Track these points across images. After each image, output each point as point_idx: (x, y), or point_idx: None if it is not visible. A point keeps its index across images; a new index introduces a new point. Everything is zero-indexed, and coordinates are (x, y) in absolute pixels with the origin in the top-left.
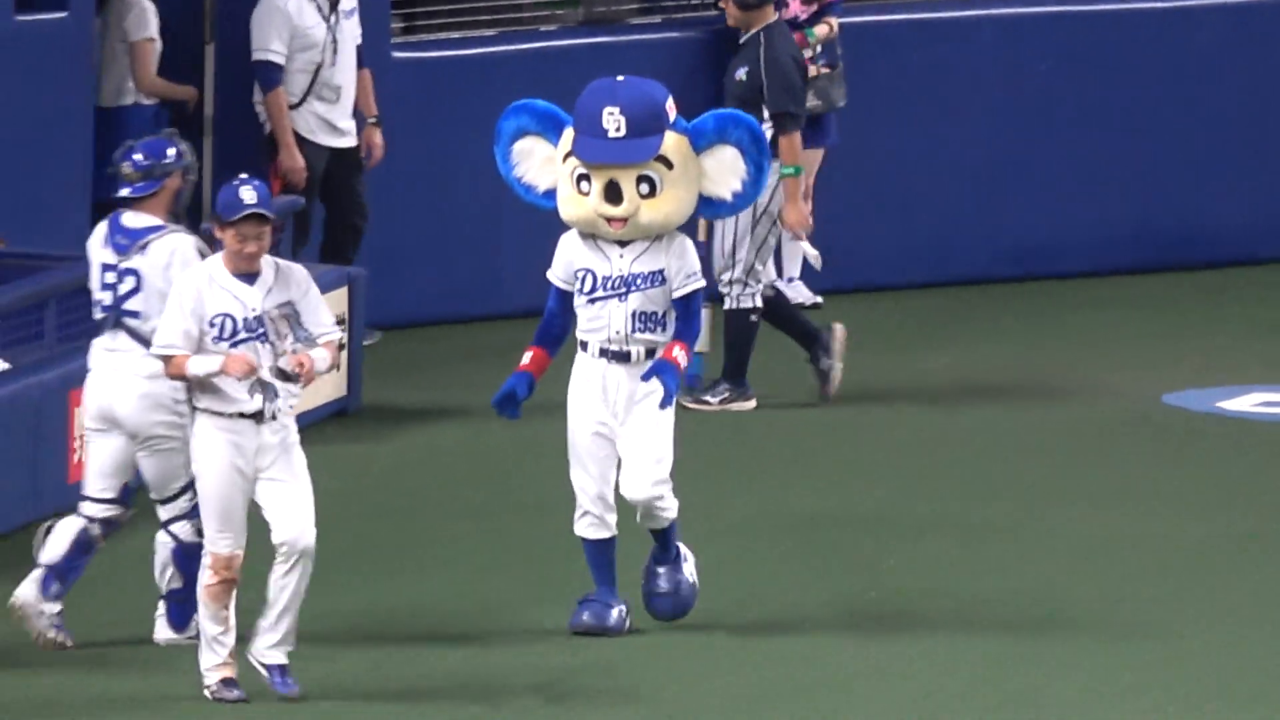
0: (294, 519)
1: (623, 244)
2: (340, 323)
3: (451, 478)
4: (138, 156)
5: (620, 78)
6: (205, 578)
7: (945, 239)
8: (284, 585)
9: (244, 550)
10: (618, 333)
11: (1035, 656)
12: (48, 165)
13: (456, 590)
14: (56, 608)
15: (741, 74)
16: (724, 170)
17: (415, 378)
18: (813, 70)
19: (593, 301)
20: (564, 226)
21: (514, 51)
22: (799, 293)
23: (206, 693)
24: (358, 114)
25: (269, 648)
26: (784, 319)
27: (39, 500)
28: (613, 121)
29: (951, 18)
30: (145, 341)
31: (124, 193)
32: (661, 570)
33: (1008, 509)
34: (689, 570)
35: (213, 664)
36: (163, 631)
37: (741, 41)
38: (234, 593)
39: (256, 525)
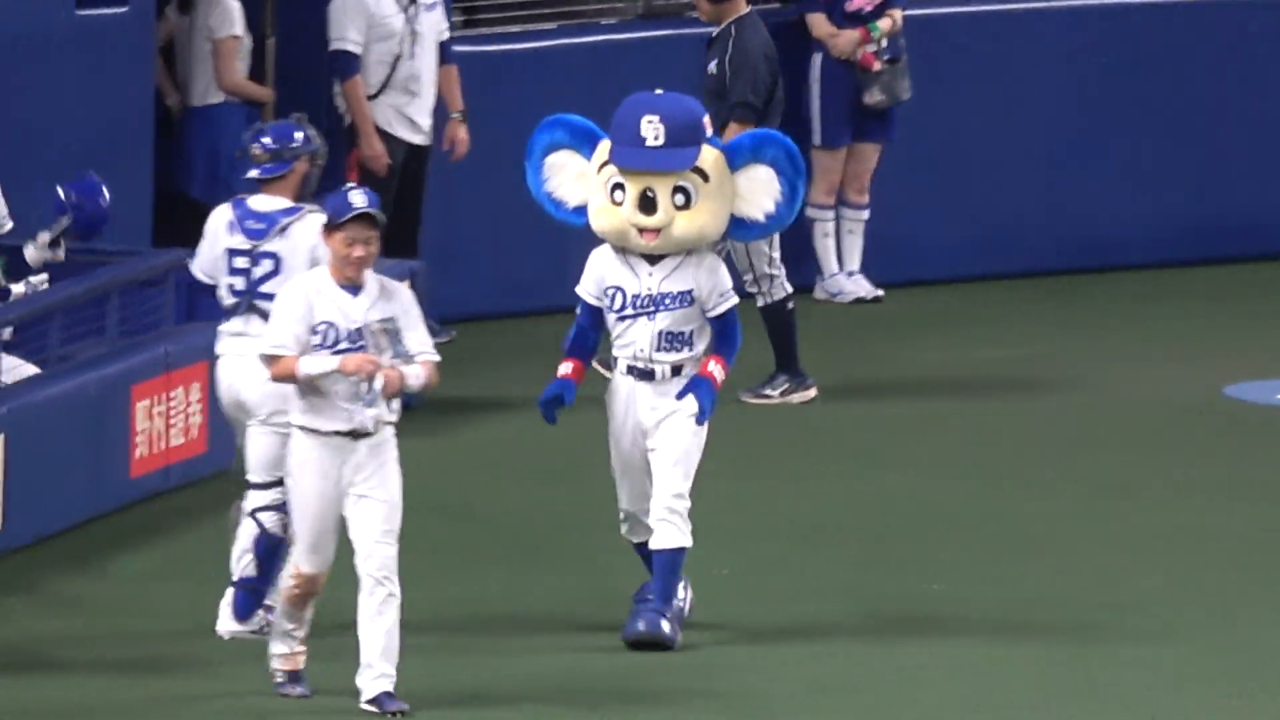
0: (376, 540)
1: (652, 261)
2: None
3: (512, 472)
4: (267, 139)
5: (659, 90)
6: (287, 584)
7: (1007, 231)
8: (373, 615)
9: (330, 569)
10: (643, 350)
11: (1098, 649)
12: (109, 160)
13: (515, 588)
14: (258, 624)
15: (713, 66)
16: (757, 190)
17: (476, 372)
18: (876, 64)
19: (622, 319)
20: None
21: (573, 45)
22: (860, 286)
23: (275, 683)
24: (440, 108)
25: (373, 679)
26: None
27: (99, 496)
28: (652, 130)
29: (1014, 10)
30: None
31: (253, 174)
32: (658, 607)
33: (1069, 502)
34: (670, 626)
35: (282, 653)
36: (226, 623)
37: (714, 35)
38: (311, 607)
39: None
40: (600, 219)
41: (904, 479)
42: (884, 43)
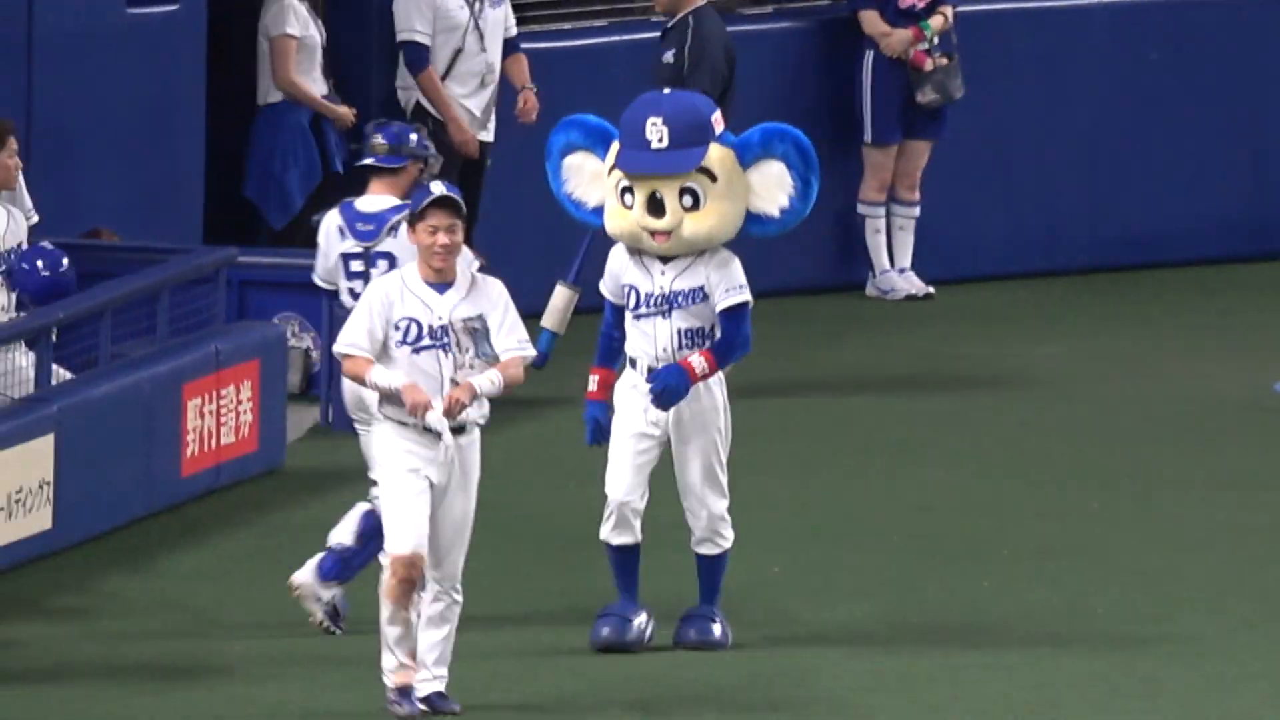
0: (449, 551)
1: (665, 260)
2: None
3: (568, 470)
4: (388, 134)
5: (667, 90)
6: (385, 578)
7: (1055, 228)
8: (435, 622)
9: (426, 551)
10: (664, 350)
11: (1149, 645)
12: (160, 159)
13: (563, 586)
14: (332, 593)
15: (669, 56)
16: (770, 185)
17: (530, 369)
18: (928, 63)
19: (638, 318)
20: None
21: (624, 42)
22: (911, 283)
23: (386, 699)
24: (507, 91)
25: (427, 680)
26: None
27: (151, 494)
28: (656, 132)
29: (1063, 6)
30: None
31: (369, 161)
32: (707, 611)
33: (1118, 497)
34: (718, 628)
35: (392, 666)
36: (306, 574)
37: (669, 25)
38: (414, 595)
39: None
40: (613, 221)
41: (952, 475)
42: (936, 40)
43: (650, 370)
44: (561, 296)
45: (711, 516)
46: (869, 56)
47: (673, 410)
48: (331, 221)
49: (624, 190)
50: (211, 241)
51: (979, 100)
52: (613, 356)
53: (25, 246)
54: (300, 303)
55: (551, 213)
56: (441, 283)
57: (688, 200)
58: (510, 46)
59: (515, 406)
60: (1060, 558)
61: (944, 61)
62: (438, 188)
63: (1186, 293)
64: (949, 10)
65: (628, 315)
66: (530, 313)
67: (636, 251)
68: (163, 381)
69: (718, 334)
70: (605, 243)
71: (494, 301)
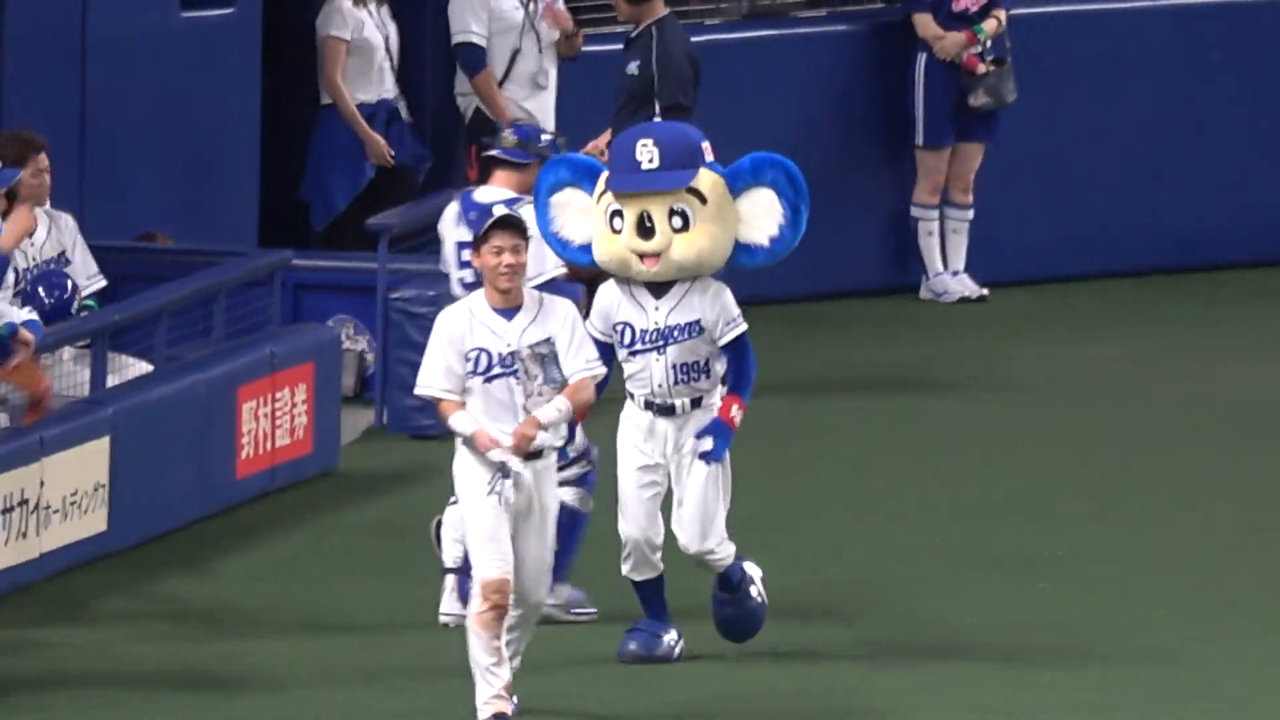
0: (529, 572)
1: (658, 295)
2: None
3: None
4: (519, 130)
5: (657, 119)
6: (475, 605)
7: (1109, 230)
8: (510, 639)
9: (513, 574)
10: (660, 385)
11: (1203, 645)
12: (214, 162)
13: (614, 589)
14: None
15: (633, 68)
16: (760, 213)
17: None
18: (981, 67)
19: (633, 354)
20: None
21: None
22: (965, 285)
23: None
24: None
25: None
26: None
27: (207, 497)
28: (646, 153)
29: (1118, 9)
30: None
31: (495, 152)
32: (726, 596)
33: (1169, 498)
34: (755, 592)
35: (486, 696)
36: (449, 605)
37: (632, 35)
38: (506, 621)
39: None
40: (601, 248)
41: (1004, 478)
42: (989, 44)
43: (649, 403)
44: None
45: (707, 551)
46: (922, 59)
47: (670, 441)
48: (451, 210)
49: (613, 214)
50: (267, 244)
51: (1032, 103)
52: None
53: (67, 255)
54: (355, 305)
55: None
56: (509, 308)
57: (677, 221)
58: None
59: None
60: (1109, 558)
61: (996, 65)
62: (499, 209)
63: (1240, 295)
64: (1002, 14)
65: (621, 352)
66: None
67: (626, 284)
68: (218, 384)
69: (714, 365)
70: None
71: (561, 322)
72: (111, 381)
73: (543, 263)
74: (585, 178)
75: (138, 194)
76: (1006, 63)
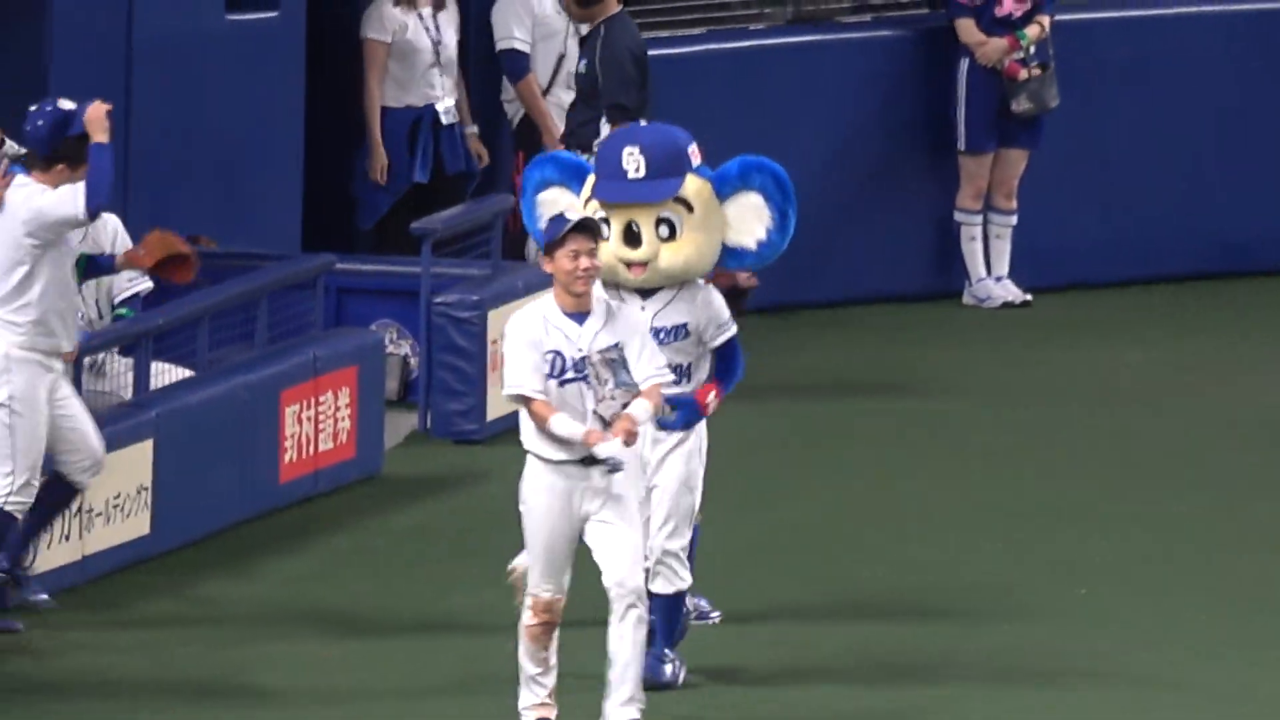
0: (621, 560)
1: (645, 296)
2: None
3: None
4: None
5: (643, 122)
6: (525, 618)
7: (1154, 236)
8: (621, 636)
9: (566, 594)
10: None
11: (1242, 648)
12: (258, 165)
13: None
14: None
15: (582, 66)
16: (748, 217)
17: None
18: (1023, 73)
19: None
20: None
21: (722, 50)
22: (1008, 290)
23: None
24: None
25: (620, 705)
26: None
27: (248, 501)
28: (632, 162)
29: (1161, 15)
30: None
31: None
32: (652, 618)
33: (1207, 503)
34: (672, 668)
35: (530, 704)
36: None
37: (583, 35)
38: (554, 635)
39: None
40: None
41: (1046, 482)
42: (1032, 50)
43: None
44: None
45: (669, 554)
46: (964, 65)
47: (652, 446)
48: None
49: (600, 221)
50: (310, 248)
51: (1076, 109)
52: None
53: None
54: (398, 309)
55: None
56: (580, 312)
57: (664, 230)
58: None
59: None
60: (1147, 562)
61: (1038, 71)
62: (574, 214)
63: None
64: (1046, 20)
65: None
66: None
67: (615, 287)
68: (261, 388)
69: (697, 371)
70: None
71: (633, 328)
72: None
73: None
74: (572, 177)
75: (181, 197)
76: (1049, 68)
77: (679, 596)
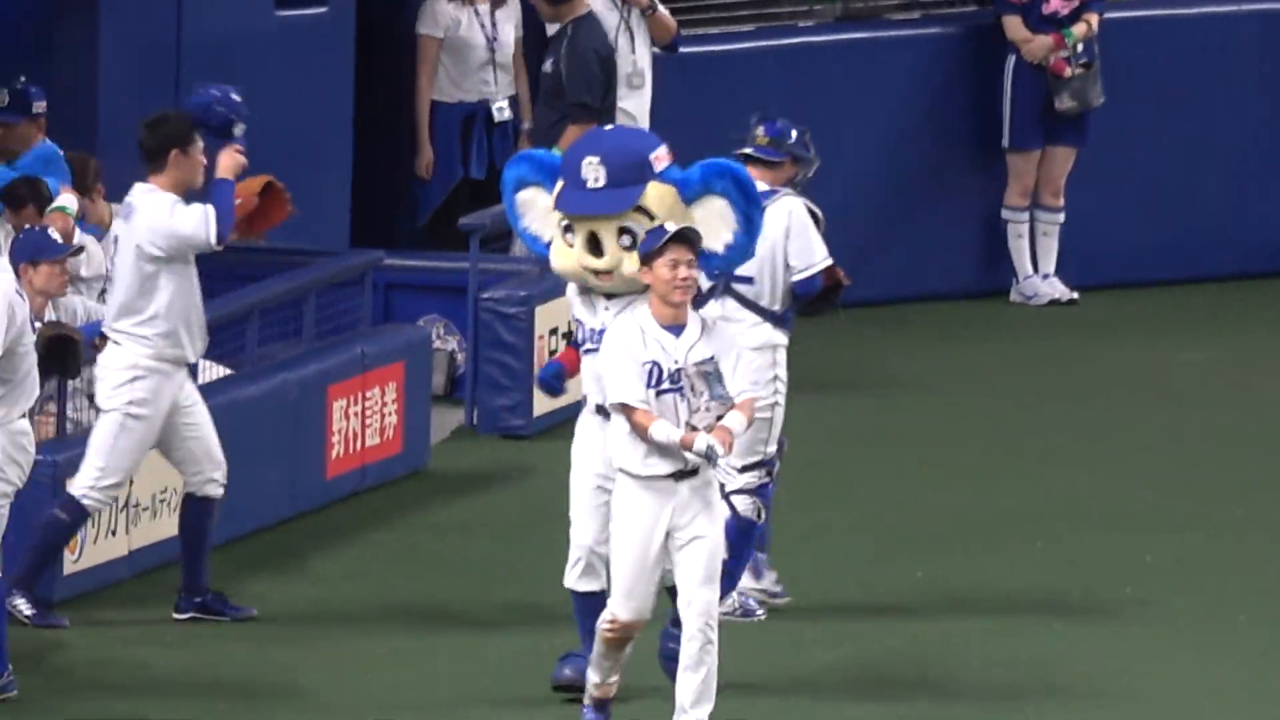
0: (693, 581)
1: (609, 296)
2: None
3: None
4: (771, 126)
5: (609, 126)
6: (603, 626)
7: (1201, 234)
8: (693, 666)
9: (646, 620)
10: None
11: None
12: (306, 161)
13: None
14: (731, 595)
15: (548, 65)
16: (713, 221)
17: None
18: (1068, 71)
19: (585, 353)
20: None
21: (771, 47)
22: (1055, 288)
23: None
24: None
25: (691, 705)
26: None
27: (296, 496)
28: (591, 172)
29: (1208, 13)
30: (754, 309)
31: (746, 150)
32: (676, 632)
33: (1262, 504)
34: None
35: (595, 681)
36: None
37: (550, 34)
38: (628, 648)
39: None
40: (556, 260)
41: (1094, 481)
42: (1079, 48)
43: (600, 407)
44: None
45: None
46: (1011, 62)
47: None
48: None
49: (565, 229)
50: (358, 243)
51: (1123, 107)
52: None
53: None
54: (445, 305)
55: None
56: (676, 324)
57: (626, 240)
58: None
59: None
60: (1205, 563)
61: (1083, 69)
62: (672, 225)
63: None
64: (1094, 18)
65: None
66: None
67: (586, 292)
68: (308, 383)
69: None
70: None
71: (728, 343)
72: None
73: (811, 255)
74: (548, 177)
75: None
76: (1094, 66)
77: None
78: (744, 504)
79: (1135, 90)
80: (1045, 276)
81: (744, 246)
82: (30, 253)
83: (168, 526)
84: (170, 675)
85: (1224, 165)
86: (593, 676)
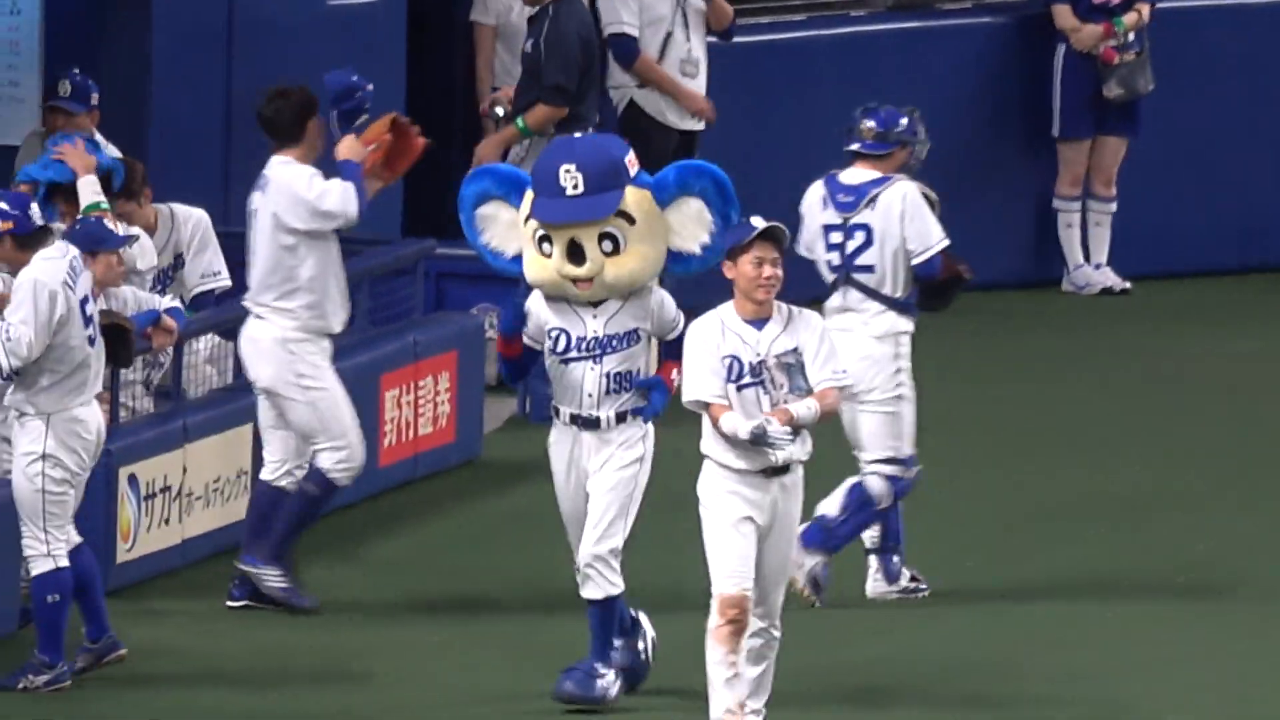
0: (767, 581)
1: (595, 305)
2: None
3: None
4: (875, 119)
5: (578, 134)
6: (712, 620)
7: (1253, 224)
8: (755, 659)
9: (752, 590)
10: (590, 396)
11: None
12: None
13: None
14: (814, 561)
15: (528, 46)
16: (689, 223)
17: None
18: (1117, 59)
19: (565, 362)
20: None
21: (823, 37)
22: (1107, 277)
23: None
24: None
25: (749, 696)
26: None
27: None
28: (570, 179)
29: (1260, 2)
30: (876, 297)
31: (854, 147)
32: (584, 662)
33: None
34: (643, 648)
35: (721, 710)
36: (876, 586)
37: (531, 16)
38: (743, 638)
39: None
40: (532, 272)
41: (1148, 471)
42: (1129, 37)
43: (575, 417)
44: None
45: (598, 558)
46: (1061, 51)
47: (592, 454)
48: (816, 192)
49: (541, 239)
50: (411, 232)
51: (1175, 96)
52: (521, 351)
53: (183, 257)
54: (498, 294)
55: (754, 209)
56: (759, 318)
57: (607, 245)
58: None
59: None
60: (1261, 550)
61: (1131, 57)
62: (759, 221)
63: None
64: (1145, 8)
65: (552, 359)
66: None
67: (564, 300)
68: (361, 372)
69: (640, 377)
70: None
71: (812, 332)
72: None
73: (928, 237)
74: (512, 190)
75: None
76: (1143, 55)
77: (611, 602)
78: (875, 484)
79: (1187, 79)
80: (1097, 266)
81: (721, 246)
82: (89, 243)
83: (221, 515)
84: (223, 663)
85: (1275, 154)
86: (715, 706)
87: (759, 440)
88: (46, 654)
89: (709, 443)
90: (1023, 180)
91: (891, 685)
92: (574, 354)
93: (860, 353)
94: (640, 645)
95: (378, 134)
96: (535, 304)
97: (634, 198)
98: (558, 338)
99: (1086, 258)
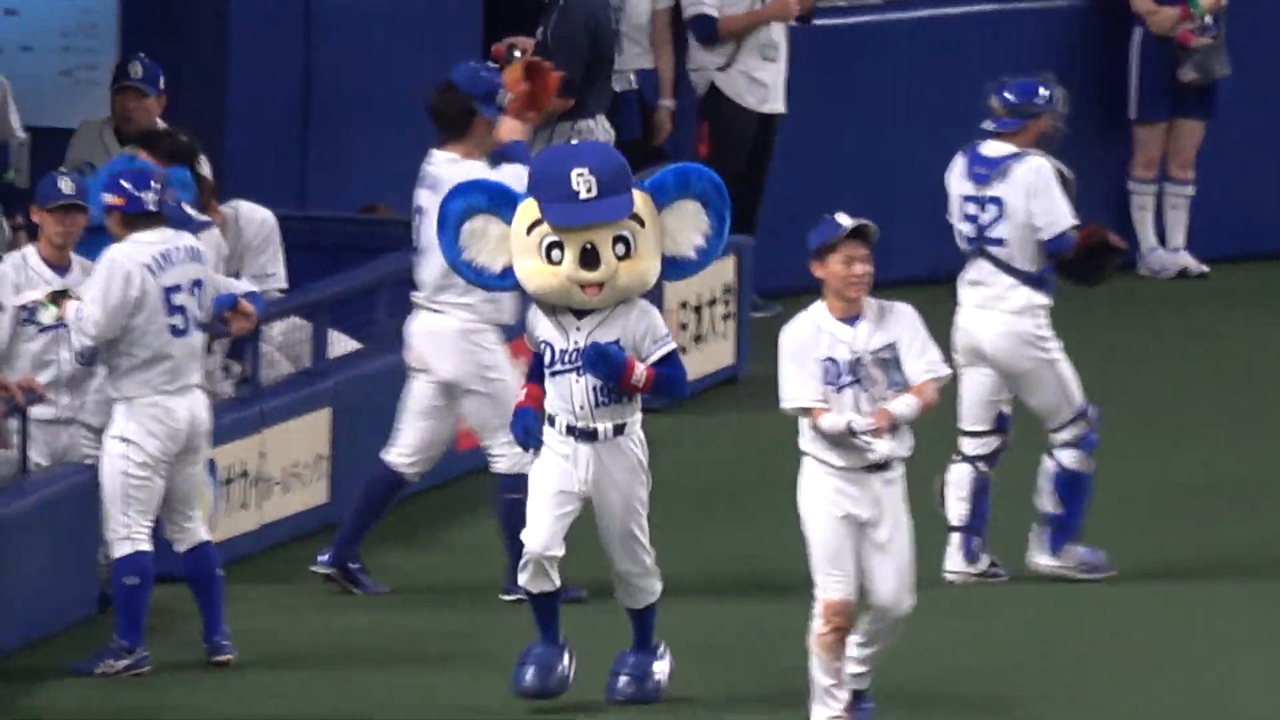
0: (893, 584)
1: (579, 315)
2: (726, 290)
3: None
4: (1009, 94)
5: (574, 141)
6: (816, 626)
7: None
8: (874, 638)
9: (857, 596)
10: (581, 408)
11: None
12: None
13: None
14: (1079, 552)
15: (539, 34)
16: (686, 225)
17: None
18: (1194, 41)
19: (554, 375)
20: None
21: (900, 20)
22: (1184, 260)
23: None
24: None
25: (850, 675)
26: None
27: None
28: (583, 182)
29: None
30: (1011, 270)
31: (987, 125)
32: (633, 659)
33: None
34: (660, 668)
35: (826, 717)
36: (955, 563)
37: (545, 3)
38: (847, 643)
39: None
40: (538, 281)
41: (1230, 457)
42: (1208, 20)
43: (570, 428)
44: None
45: (629, 574)
46: (1138, 34)
47: (591, 469)
48: (958, 164)
49: (551, 246)
50: None
51: (1254, 78)
52: (540, 377)
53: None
54: None
55: (828, 188)
56: (851, 316)
57: (620, 248)
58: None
59: None
60: None
61: (1208, 41)
62: (845, 219)
63: None
64: None
65: (546, 371)
66: (810, 289)
67: (551, 309)
68: None
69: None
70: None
71: (906, 325)
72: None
73: (1054, 213)
74: (502, 205)
75: (360, 165)
76: (1219, 38)
77: (649, 610)
78: (1069, 457)
79: (1265, 61)
80: (1174, 249)
81: (714, 248)
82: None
83: (298, 500)
84: (298, 648)
85: None
86: (819, 711)
87: (852, 436)
88: (126, 638)
89: (807, 440)
90: (1098, 163)
91: (978, 667)
92: (559, 366)
93: (1001, 329)
94: (658, 668)
95: (514, 82)
96: (532, 315)
97: (640, 200)
98: (545, 350)
99: (1161, 241)
